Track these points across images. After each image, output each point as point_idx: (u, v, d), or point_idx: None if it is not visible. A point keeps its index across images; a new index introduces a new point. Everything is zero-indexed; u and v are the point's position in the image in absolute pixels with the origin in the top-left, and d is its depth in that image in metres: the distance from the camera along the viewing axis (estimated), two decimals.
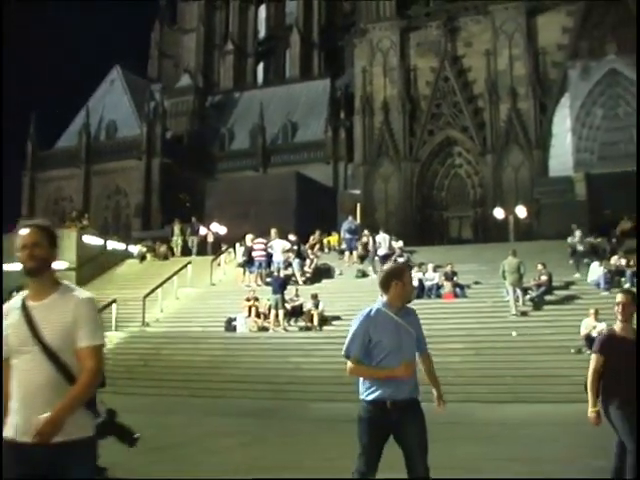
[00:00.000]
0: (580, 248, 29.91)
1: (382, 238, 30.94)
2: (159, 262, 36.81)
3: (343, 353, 6.42)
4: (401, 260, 30.64)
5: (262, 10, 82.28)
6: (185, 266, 31.94)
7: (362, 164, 50.11)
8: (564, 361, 21.10)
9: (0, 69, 62.88)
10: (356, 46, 53.13)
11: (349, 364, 6.42)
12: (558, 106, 46.01)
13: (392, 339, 6.35)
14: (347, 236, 33.64)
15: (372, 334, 6.33)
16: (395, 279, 6.51)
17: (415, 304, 24.03)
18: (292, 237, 32.10)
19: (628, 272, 26.60)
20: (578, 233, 30.63)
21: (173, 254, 37.55)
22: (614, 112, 45.51)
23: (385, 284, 6.53)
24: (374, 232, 32.60)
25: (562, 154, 44.85)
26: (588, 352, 21.02)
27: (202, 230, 38.96)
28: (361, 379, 6.45)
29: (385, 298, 6.54)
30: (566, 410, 17.29)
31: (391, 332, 6.38)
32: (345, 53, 68.44)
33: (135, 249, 38.81)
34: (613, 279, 26.62)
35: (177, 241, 38.28)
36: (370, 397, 6.33)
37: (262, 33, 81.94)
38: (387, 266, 6.95)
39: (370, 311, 6.49)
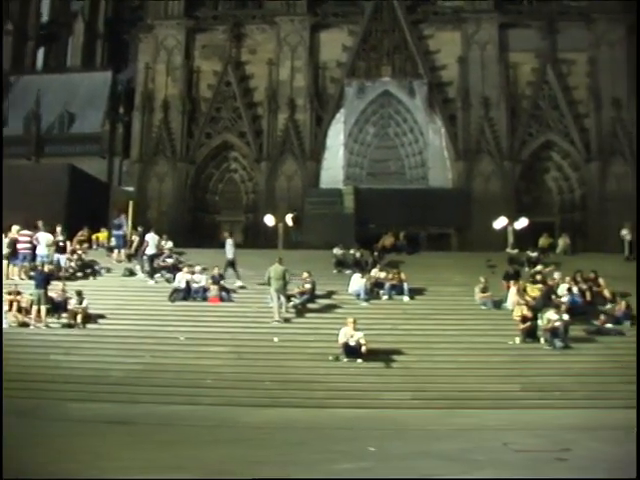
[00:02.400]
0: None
1: (151, 237, 30.68)
2: None
3: None
4: (170, 261, 30.70)
5: None
6: None
7: (138, 161, 49.46)
8: (322, 368, 21.96)
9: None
10: (141, 41, 52.39)
11: None
12: (333, 120, 47.50)
13: None
14: (116, 233, 33.28)
15: None
16: None
17: (181, 306, 24.09)
18: (58, 231, 31.34)
19: (387, 285, 28.07)
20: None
21: None
22: (385, 131, 47.65)
23: None
24: (145, 231, 32.39)
25: (334, 167, 46.39)
26: (345, 360, 22.04)
27: None
28: None
29: None
30: (319, 415, 18.06)
31: None
32: (130, 47, 67.22)
33: None
34: (372, 291, 27.98)
35: None
36: None
37: (45, 17, 78.94)
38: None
39: None
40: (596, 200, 45.34)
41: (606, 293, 27.66)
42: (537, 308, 24.79)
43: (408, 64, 47.73)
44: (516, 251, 34.47)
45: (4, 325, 24.50)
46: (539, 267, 30.39)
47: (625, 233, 35.82)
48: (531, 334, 23.97)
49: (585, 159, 46.02)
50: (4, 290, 25.78)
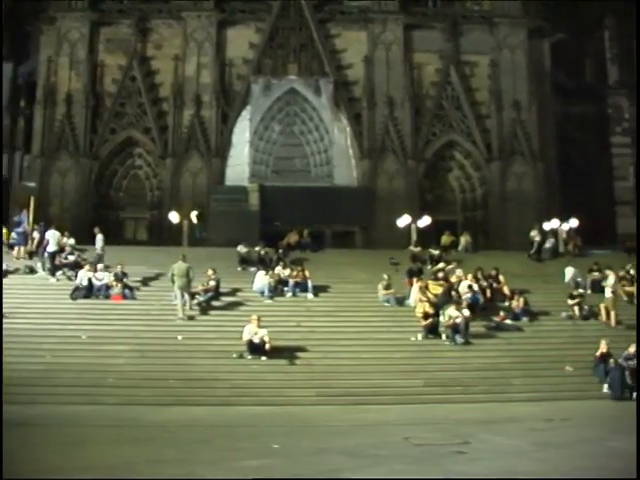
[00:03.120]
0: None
1: (52, 234, 30.13)
2: None
3: None
4: (72, 258, 30.13)
5: None
6: None
7: (40, 156, 48.35)
8: (226, 365, 21.99)
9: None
10: (43, 33, 51.28)
11: None
12: (239, 117, 47.32)
13: None
14: (17, 230, 32.60)
15: None
16: None
17: (83, 304, 23.67)
18: None
19: (291, 282, 28.21)
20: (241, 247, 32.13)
21: None
22: (290, 129, 47.67)
23: None
24: (46, 227, 31.80)
25: (239, 164, 46.21)
26: (249, 357, 22.07)
27: None
28: None
29: None
30: (224, 413, 18.06)
31: None
32: (31, 39, 65.69)
33: None
34: (277, 288, 28.08)
35: None
36: None
37: None
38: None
39: None
40: (497, 199, 46.28)
41: (506, 290, 28.36)
42: (439, 305, 25.30)
43: (314, 62, 47.88)
44: (419, 249, 35.00)
45: None
46: (441, 264, 30.91)
47: (534, 234, 36.68)
48: (433, 330, 24.43)
49: (486, 159, 46.92)
50: None
